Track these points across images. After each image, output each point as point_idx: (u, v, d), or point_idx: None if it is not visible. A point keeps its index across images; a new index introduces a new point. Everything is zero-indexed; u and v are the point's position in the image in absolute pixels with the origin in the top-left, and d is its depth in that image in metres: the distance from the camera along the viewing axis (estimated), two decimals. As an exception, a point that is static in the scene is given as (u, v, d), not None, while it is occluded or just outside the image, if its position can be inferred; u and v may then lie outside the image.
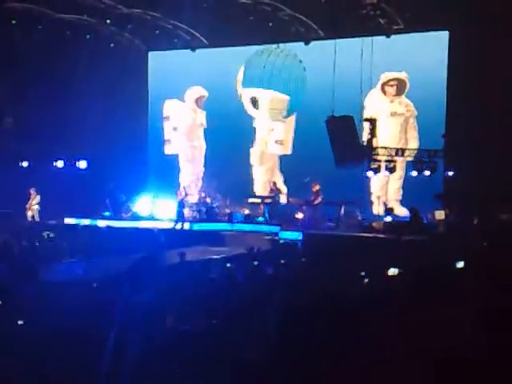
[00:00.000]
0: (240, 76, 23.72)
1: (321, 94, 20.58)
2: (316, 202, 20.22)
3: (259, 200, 22.15)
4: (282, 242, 18.09)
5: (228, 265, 12.56)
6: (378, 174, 19.42)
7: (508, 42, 17.55)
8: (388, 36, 20.94)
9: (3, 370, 5.60)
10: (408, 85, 21.50)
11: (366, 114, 20.32)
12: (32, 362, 5.68)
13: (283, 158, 23.45)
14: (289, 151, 23.42)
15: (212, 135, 24.42)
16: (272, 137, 23.67)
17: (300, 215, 20.65)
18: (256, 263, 12.55)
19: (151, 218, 21.95)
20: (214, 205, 22.26)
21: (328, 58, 20.42)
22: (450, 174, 19.28)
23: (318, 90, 21.31)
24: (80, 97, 22.43)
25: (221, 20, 21.41)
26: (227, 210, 22.19)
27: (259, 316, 6.12)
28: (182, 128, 25.09)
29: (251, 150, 23.81)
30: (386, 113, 21.74)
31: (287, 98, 22.87)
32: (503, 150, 17.49)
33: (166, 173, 24.71)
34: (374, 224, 18.86)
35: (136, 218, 22.21)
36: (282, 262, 12.90)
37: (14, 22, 21.05)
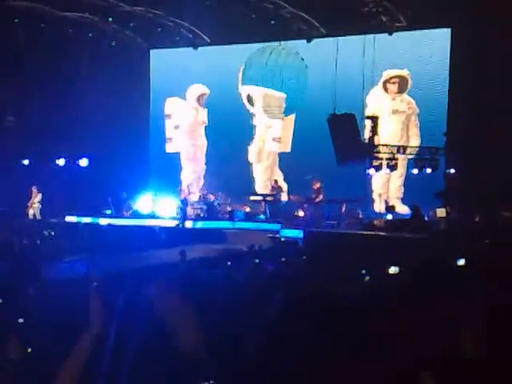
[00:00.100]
0: (241, 74, 23.74)
1: (322, 91, 20.60)
2: (317, 199, 20.22)
3: (260, 198, 22.16)
4: (283, 239, 18.08)
5: (229, 263, 12.56)
6: (380, 172, 19.42)
7: (510, 40, 17.53)
8: (390, 34, 20.93)
9: (5, 369, 5.60)
10: (410, 82, 21.49)
11: (368, 112, 20.33)
12: (33, 360, 5.68)
13: (284, 156, 23.44)
14: (288, 149, 23.41)
15: (213, 133, 24.42)
16: (269, 134, 23.70)
17: (301, 213, 20.64)
18: (257, 261, 12.55)
19: (152, 216, 21.96)
20: (216, 203, 22.27)
21: (330, 56, 20.43)
22: (452, 171, 19.26)
23: (319, 88, 21.32)
24: (82, 95, 22.45)
25: (223, 18, 21.40)
26: (228, 208, 22.19)
27: (260, 314, 6.11)
28: (184, 126, 25.09)
29: (249, 148, 23.83)
30: (388, 110, 21.73)
31: (282, 95, 22.82)
32: (505, 147, 17.48)
33: (168, 171, 24.72)
34: (375, 222, 18.84)
35: (137, 216, 22.23)
36: (283, 259, 12.90)
37: (16, 20, 21.06)
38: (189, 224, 20.99)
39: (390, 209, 20.63)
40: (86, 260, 14.06)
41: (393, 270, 9.63)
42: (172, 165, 24.95)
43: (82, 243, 16.03)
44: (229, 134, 23.17)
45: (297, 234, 18.35)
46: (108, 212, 22.58)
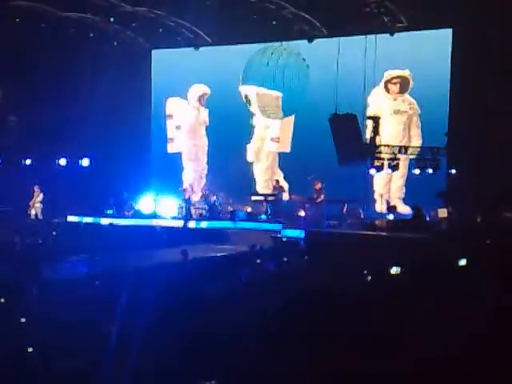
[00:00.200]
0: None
1: (324, 91, 20.61)
2: (318, 199, 20.23)
3: (262, 198, 22.17)
4: (284, 239, 18.09)
5: (231, 263, 12.58)
6: (381, 172, 19.41)
7: (511, 40, 17.54)
8: (391, 34, 20.94)
9: (7, 369, 5.62)
10: (411, 83, 21.50)
11: (370, 112, 20.33)
12: (35, 359, 5.70)
13: (286, 156, 23.44)
14: (287, 149, 23.42)
15: (214, 133, 24.43)
16: (268, 134, 23.72)
17: (302, 213, 20.65)
18: (259, 261, 12.57)
19: (154, 216, 21.98)
20: (217, 203, 22.29)
21: (331, 56, 20.42)
22: (453, 171, 19.27)
23: (321, 88, 21.33)
24: (83, 95, 22.45)
25: (224, 18, 21.39)
26: (230, 208, 22.21)
27: (262, 314, 6.12)
28: (185, 126, 25.08)
29: (248, 146, 23.83)
30: (389, 111, 21.73)
31: (279, 94, 22.80)
32: (506, 147, 17.48)
33: (169, 171, 24.72)
34: (376, 222, 18.84)
35: (139, 216, 22.25)
36: (285, 259, 12.92)
37: (18, 20, 21.06)
38: (192, 224, 20.99)
39: (391, 209, 20.63)
40: (87, 260, 14.09)
41: (394, 270, 9.64)
42: (173, 165, 24.95)
43: (83, 243, 16.04)
44: (230, 134, 23.17)
45: (298, 234, 18.37)
46: (109, 212, 22.60)
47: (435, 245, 14.50)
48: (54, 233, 17.66)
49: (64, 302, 7.49)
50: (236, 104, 23.51)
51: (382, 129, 18.99)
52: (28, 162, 22.17)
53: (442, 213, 18.52)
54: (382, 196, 21.67)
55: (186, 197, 22.06)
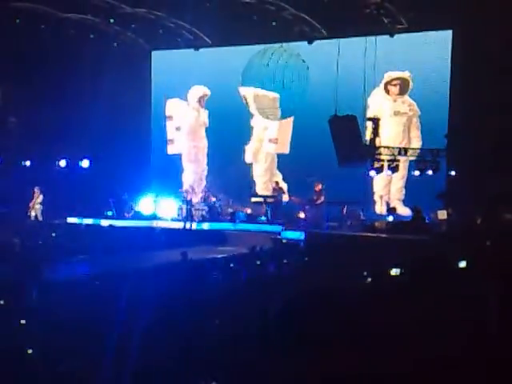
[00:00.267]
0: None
1: (324, 93, 20.60)
2: (318, 201, 20.22)
3: (262, 199, 22.15)
4: (284, 241, 18.09)
5: (231, 264, 12.58)
6: (381, 174, 19.40)
7: (511, 41, 17.54)
8: (391, 35, 20.94)
9: (7, 369, 5.62)
10: (411, 84, 21.49)
11: (369, 114, 20.31)
12: (35, 360, 5.69)
13: (286, 158, 23.42)
14: (286, 150, 23.41)
15: (214, 134, 24.42)
16: (266, 135, 23.73)
17: (302, 215, 20.64)
18: (259, 263, 12.57)
19: (154, 218, 21.98)
20: (217, 204, 22.29)
21: (331, 58, 20.42)
22: (453, 173, 19.27)
23: (321, 89, 21.31)
24: (83, 96, 22.45)
25: (224, 19, 21.38)
26: (230, 210, 22.20)
27: (263, 315, 6.12)
28: (185, 128, 25.07)
29: (246, 147, 23.83)
30: (389, 112, 21.72)
31: (275, 95, 22.76)
32: (506, 149, 17.48)
33: (169, 172, 24.72)
34: (376, 224, 18.85)
35: (139, 217, 22.25)
36: (285, 261, 12.93)
37: (18, 21, 21.06)
38: (193, 225, 20.97)
39: (391, 211, 20.63)
40: (87, 261, 14.09)
41: (394, 271, 9.64)
42: (173, 166, 24.95)
43: (83, 244, 16.05)
44: (230, 136, 23.18)
45: (298, 235, 18.37)
46: (109, 213, 22.60)
47: (435, 246, 14.51)
48: (54, 234, 17.65)
49: (64, 303, 7.49)
50: (236, 105, 23.50)
51: (381, 130, 18.99)
52: (28, 163, 22.17)
53: (442, 214, 18.52)
54: (381, 198, 21.67)
55: (188, 198, 22.03)
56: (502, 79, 17.85)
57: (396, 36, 20.96)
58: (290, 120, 23.16)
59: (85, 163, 22.56)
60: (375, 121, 18.42)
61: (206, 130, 24.88)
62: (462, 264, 9.60)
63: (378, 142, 18.54)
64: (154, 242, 17.48)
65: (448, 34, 20.46)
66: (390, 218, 19.85)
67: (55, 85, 22.05)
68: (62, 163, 22.36)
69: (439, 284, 6.05)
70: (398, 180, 21.43)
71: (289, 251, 15.44)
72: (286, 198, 22.30)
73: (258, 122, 23.79)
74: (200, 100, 24.76)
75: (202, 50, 24.19)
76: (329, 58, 20.76)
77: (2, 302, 7.71)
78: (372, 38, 20.23)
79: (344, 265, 11.26)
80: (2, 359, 5.70)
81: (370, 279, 9.45)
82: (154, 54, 25.52)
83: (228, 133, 23.19)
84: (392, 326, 4.63)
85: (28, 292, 8.41)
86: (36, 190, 21.81)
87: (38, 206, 21.84)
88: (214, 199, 22.40)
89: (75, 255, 14.63)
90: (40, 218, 21.76)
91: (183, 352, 5.46)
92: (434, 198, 18.86)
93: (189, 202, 21.76)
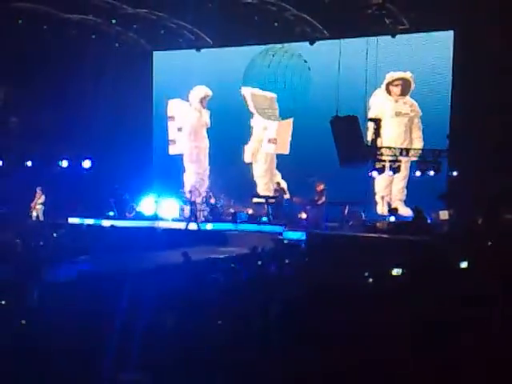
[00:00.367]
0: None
1: (325, 93, 20.59)
2: (320, 201, 20.21)
3: (263, 200, 22.14)
4: (286, 241, 18.09)
5: (232, 265, 12.58)
6: (383, 174, 19.39)
7: (513, 42, 17.55)
8: (393, 36, 20.92)
9: (10, 369, 5.62)
10: (413, 85, 21.49)
11: (371, 114, 20.32)
12: (37, 360, 5.70)
13: (287, 158, 23.41)
14: (285, 151, 23.40)
15: (216, 135, 24.43)
16: (265, 135, 23.73)
17: (304, 215, 20.64)
18: (260, 263, 12.57)
19: (155, 218, 21.97)
20: (218, 205, 22.29)
21: (333, 58, 20.41)
22: (454, 174, 19.26)
23: (322, 90, 21.30)
24: (85, 96, 22.47)
25: (226, 20, 21.40)
26: (231, 210, 22.19)
27: (264, 315, 6.12)
28: (187, 128, 25.08)
29: (245, 147, 23.84)
30: (391, 113, 21.72)
31: (273, 95, 22.74)
32: (508, 149, 17.47)
33: (171, 173, 24.74)
34: (377, 224, 18.84)
35: (140, 217, 22.25)
36: (287, 261, 12.92)
37: (20, 21, 21.08)
38: (198, 226, 20.93)
39: (392, 211, 20.61)
40: (88, 261, 14.10)
41: (396, 271, 9.64)
42: (175, 167, 24.96)
43: (84, 244, 16.06)
44: (231, 136, 23.21)
45: (300, 236, 18.36)
46: (111, 213, 22.61)
47: (436, 247, 14.51)
48: (55, 234, 17.65)
49: (65, 304, 7.49)
50: (237, 106, 23.51)
51: (383, 131, 18.97)
52: (29, 163, 22.19)
53: (444, 215, 18.52)
54: (383, 198, 21.68)
55: (193, 199, 21.97)
56: (504, 79, 17.84)
57: (397, 36, 20.95)
58: (290, 120, 23.16)
59: (86, 163, 22.56)
60: (377, 121, 18.41)
61: (208, 131, 24.88)
62: (464, 264, 9.60)
63: (379, 142, 18.53)
64: (155, 242, 17.48)
65: (449, 35, 20.45)
66: (392, 219, 19.84)
67: (57, 85, 22.07)
68: (64, 163, 22.36)
69: (440, 284, 6.04)
70: (400, 180, 21.43)
71: (290, 252, 15.44)
72: (287, 196, 22.30)
73: (257, 122, 23.80)
74: (202, 100, 24.78)
75: (203, 50, 24.20)
76: (330, 59, 20.76)
77: (3, 302, 7.71)
78: (373, 39, 20.23)
79: (346, 265, 11.26)
80: (3, 359, 5.70)
81: (371, 279, 9.45)
82: (156, 54, 25.52)
83: (229, 133, 23.21)
84: (393, 326, 4.63)
85: (29, 292, 8.41)
86: (38, 190, 21.83)
87: (39, 207, 21.86)
88: (214, 200, 22.37)
89: (76, 255, 14.63)
90: (41, 218, 21.77)
91: (185, 352, 5.46)
92: (435, 199, 18.85)
93: (193, 203, 21.72)
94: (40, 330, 6.46)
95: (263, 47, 22.87)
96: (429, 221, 18.60)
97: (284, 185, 22.82)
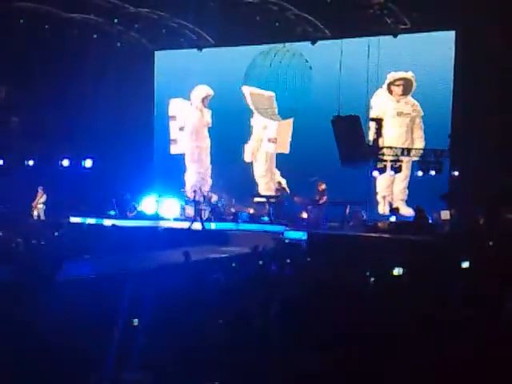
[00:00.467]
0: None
1: (327, 93, 20.59)
2: (321, 201, 20.20)
3: (264, 199, 22.15)
4: (287, 241, 18.09)
5: (233, 264, 12.59)
6: (384, 174, 19.39)
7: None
8: (395, 36, 20.92)
9: (11, 369, 5.63)
10: (414, 85, 21.47)
11: (372, 114, 20.32)
12: (38, 360, 5.70)
13: (288, 157, 23.40)
14: (286, 150, 23.39)
15: (217, 134, 24.43)
16: (265, 134, 23.73)
17: (305, 215, 20.64)
18: (261, 262, 12.57)
19: (156, 217, 21.98)
20: (220, 204, 22.28)
21: (334, 58, 20.43)
22: (456, 174, 19.24)
23: (324, 90, 21.30)
24: (86, 96, 22.48)
25: (227, 19, 21.39)
26: (232, 210, 22.20)
27: (265, 315, 6.12)
28: (188, 127, 25.08)
29: (245, 146, 23.84)
30: (393, 112, 21.71)
31: (271, 94, 22.72)
32: (509, 149, 17.46)
33: (172, 172, 24.74)
34: (379, 224, 18.82)
35: (141, 217, 22.26)
36: (288, 261, 12.92)
37: (21, 21, 21.09)
38: (199, 225, 20.92)
39: (394, 211, 20.60)
40: (89, 260, 14.11)
41: (397, 271, 9.63)
42: (176, 166, 24.96)
43: (86, 244, 16.06)
44: (233, 136, 23.21)
45: (301, 235, 18.36)
46: (112, 213, 22.62)
47: (438, 246, 14.50)
48: (56, 233, 17.66)
49: (66, 303, 7.49)
50: (239, 105, 23.49)
51: (384, 131, 18.97)
52: (31, 162, 22.20)
53: (445, 215, 18.51)
54: (384, 198, 21.68)
55: (197, 198, 21.95)
56: (506, 79, 17.83)
57: (399, 36, 20.93)
58: (290, 120, 23.15)
59: (88, 163, 22.58)
60: (378, 121, 18.41)
61: (209, 130, 24.88)
62: (465, 264, 9.60)
63: (381, 142, 18.53)
64: (156, 242, 17.49)
65: (451, 35, 20.44)
66: (393, 219, 19.83)
67: (58, 84, 22.09)
68: (65, 163, 22.39)
69: (441, 284, 6.04)
70: (401, 180, 21.42)
71: (291, 251, 15.44)
72: (288, 191, 22.29)
73: (257, 121, 23.80)
74: (203, 100, 24.77)
75: (205, 50, 24.20)
76: (332, 58, 20.77)
77: (4, 302, 7.72)
78: (375, 39, 20.26)
79: (347, 265, 11.26)
80: (4, 359, 5.70)
81: (372, 279, 9.44)
82: (157, 53, 25.53)
83: (231, 133, 23.21)
84: (394, 325, 4.63)
85: (30, 291, 8.42)
86: (39, 189, 21.84)
87: (40, 206, 21.86)
88: (214, 199, 22.34)
89: (78, 255, 14.63)
90: (43, 218, 21.78)
91: (186, 352, 5.46)
92: (436, 199, 18.84)
93: (197, 202, 21.69)
94: (41, 329, 6.46)
95: (265, 47, 22.87)
96: (430, 221, 18.59)
97: (285, 184, 22.81)
